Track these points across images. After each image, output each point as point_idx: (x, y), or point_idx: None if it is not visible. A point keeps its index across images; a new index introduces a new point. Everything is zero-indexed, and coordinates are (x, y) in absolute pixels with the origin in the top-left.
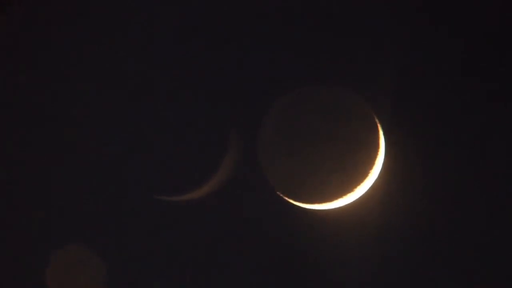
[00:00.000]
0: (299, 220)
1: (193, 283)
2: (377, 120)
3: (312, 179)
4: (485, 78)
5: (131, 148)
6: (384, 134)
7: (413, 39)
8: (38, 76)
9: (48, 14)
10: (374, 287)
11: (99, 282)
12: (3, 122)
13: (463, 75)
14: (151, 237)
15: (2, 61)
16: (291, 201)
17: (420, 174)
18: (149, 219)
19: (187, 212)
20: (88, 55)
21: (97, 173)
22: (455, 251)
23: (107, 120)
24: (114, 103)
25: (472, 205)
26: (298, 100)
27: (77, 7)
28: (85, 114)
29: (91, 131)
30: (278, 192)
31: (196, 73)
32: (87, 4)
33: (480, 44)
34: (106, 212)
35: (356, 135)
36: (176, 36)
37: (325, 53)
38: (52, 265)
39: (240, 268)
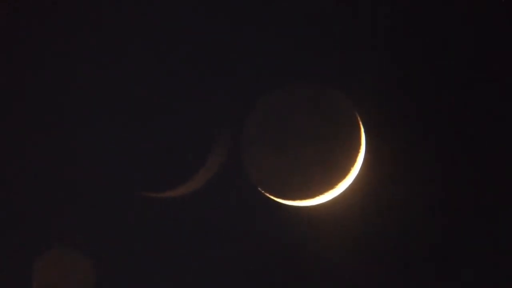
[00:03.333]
0: (281, 217)
1: (178, 278)
2: (358, 118)
3: (294, 176)
4: (469, 77)
5: (116, 144)
6: (365, 131)
7: (397, 39)
8: (27, 72)
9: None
10: (356, 282)
11: (87, 281)
12: None
13: (446, 74)
14: (137, 232)
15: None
16: (273, 197)
17: (400, 171)
18: (134, 215)
19: (171, 209)
20: (73, 51)
21: (82, 171)
22: (436, 245)
23: (91, 118)
24: (99, 101)
25: (453, 200)
26: (281, 99)
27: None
28: (70, 113)
29: (77, 130)
30: (260, 189)
31: (183, 71)
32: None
33: (464, 43)
34: (91, 209)
35: (337, 133)
36: (161, 34)
37: (309, 52)
38: (39, 266)
39: (222, 264)
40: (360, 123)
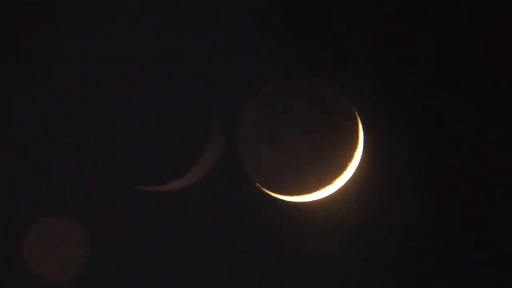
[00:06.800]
0: (278, 212)
1: (168, 271)
2: (356, 113)
3: (291, 171)
4: (466, 74)
5: (111, 137)
6: (364, 127)
7: (395, 34)
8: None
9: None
10: (352, 278)
11: (79, 251)
12: None
13: (444, 71)
14: (129, 226)
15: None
16: (270, 192)
17: (398, 167)
18: (127, 209)
19: (165, 203)
20: (70, 47)
21: (77, 160)
22: (434, 243)
23: (89, 110)
24: (95, 93)
25: (453, 197)
26: (278, 93)
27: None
28: (68, 104)
29: (74, 120)
30: (257, 184)
31: (178, 64)
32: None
33: (463, 39)
34: (84, 202)
35: (335, 128)
36: (156, 25)
37: (306, 46)
38: (30, 237)
39: (218, 259)
40: (358, 118)
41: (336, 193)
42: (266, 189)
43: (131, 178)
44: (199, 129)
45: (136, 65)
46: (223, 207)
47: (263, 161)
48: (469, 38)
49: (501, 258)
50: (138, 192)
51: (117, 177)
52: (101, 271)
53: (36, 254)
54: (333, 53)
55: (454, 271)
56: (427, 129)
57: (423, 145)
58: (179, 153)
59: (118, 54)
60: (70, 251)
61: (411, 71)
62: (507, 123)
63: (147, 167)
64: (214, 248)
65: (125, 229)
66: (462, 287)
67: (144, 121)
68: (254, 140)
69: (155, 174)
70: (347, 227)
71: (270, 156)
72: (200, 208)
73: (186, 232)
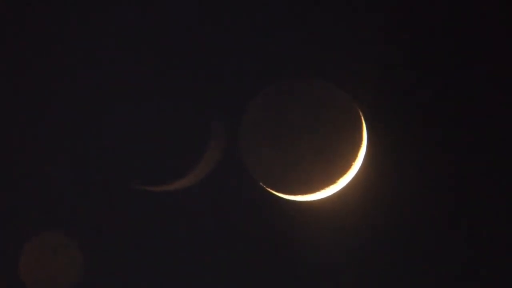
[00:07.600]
0: (282, 212)
1: (171, 272)
2: (360, 113)
3: (295, 171)
4: (468, 72)
5: (113, 137)
6: (367, 126)
7: (397, 34)
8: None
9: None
10: (356, 277)
11: (74, 271)
12: None
13: (447, 69)
14: (130, 225)
15: None
16: (274, 192)
17: (401, 166)
18: (129, 208)
19: (168, 203)
20: (71, 47)
21: (78, 161)
22: (437, 242)
23: (88, 110)
24: (97, 93)
25: (456, 196)
26: (281, 92)
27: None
28: (66, 104)
29: (73, 120)
30: (261, 184)
31: (180, 64)
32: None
33: (466, 38)
34: (85, 201)
35: (339, 127)
36: (156, 25)
37: (309, 46)
38: (25, 253)
39: (221, 259)
40: (362, 117)
41: (339, 192)
42: (269, 188)
43: (132, 178)
44: (200, 129)
45: (136, 65)
46: (225, 206)
47: (265, 160)
48: (471, 38)
49: (502, 258)
50: (138, 192)
51: (118, 177)
52: (101, 271)
53: (31, 270)
54: (335, 53)
55: (456, 270)
56: (430, 129)
57: (426, 145)
58: (180, 153)
59: (118, 54)
60: (65, 264)
61: (414, 71)
62: (507, 123)
63: (148, 167)
64: (215, 248)
65: (125, 229)
66: (462, 286)
67: (145, 121)
68: (256, 140)
69: (156, 174)
70: (351, 226)
71: (272, 155)
72: (202, 208)
73: (186, 232)
